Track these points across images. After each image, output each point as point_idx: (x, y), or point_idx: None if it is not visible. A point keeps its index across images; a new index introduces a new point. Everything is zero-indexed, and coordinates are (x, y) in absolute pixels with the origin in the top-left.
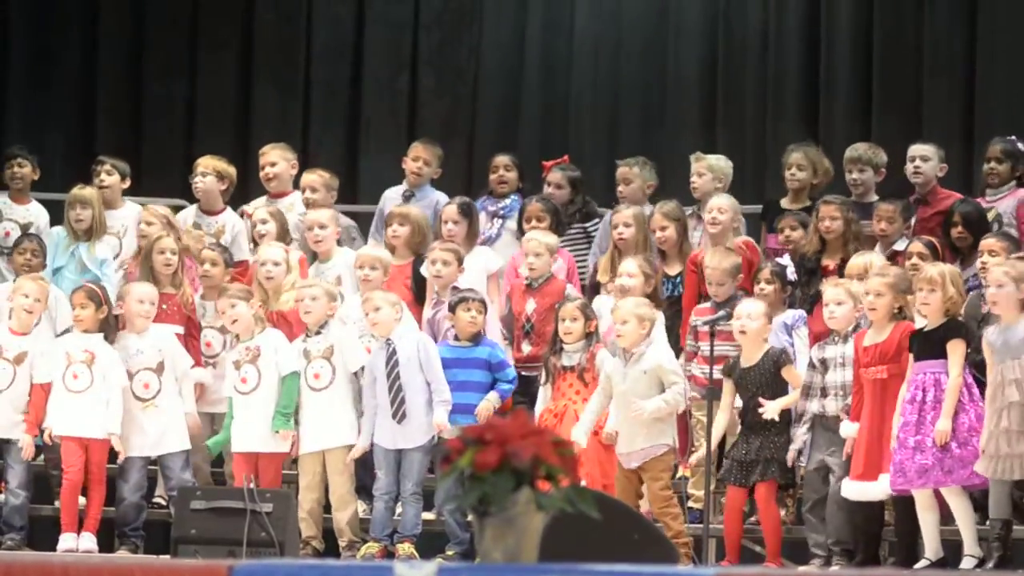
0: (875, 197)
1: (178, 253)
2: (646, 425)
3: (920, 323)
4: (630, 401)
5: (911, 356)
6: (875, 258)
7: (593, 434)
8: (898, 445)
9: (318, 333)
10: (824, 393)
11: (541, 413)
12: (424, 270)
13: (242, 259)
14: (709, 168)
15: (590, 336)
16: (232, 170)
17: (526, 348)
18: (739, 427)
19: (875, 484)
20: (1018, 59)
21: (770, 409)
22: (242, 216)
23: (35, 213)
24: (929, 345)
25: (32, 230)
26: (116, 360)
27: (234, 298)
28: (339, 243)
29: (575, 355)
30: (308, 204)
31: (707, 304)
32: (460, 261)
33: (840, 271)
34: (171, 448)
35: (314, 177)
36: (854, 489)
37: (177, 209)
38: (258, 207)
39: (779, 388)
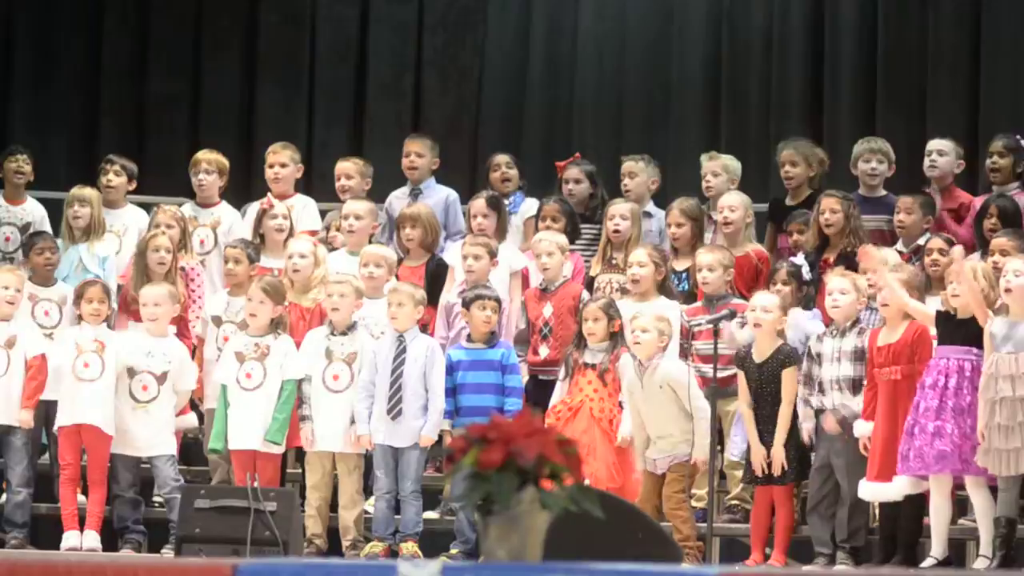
0: (883, 192)
1: (172, 251)
2: (679, 433)
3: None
4: (653, 416)
5: (935, 342)
6: (888, 252)
7: (604, 434)
8: (918, 430)
9: (343, 334)
10: (820, 388)
11: (554, 405)
12: (450, 258)
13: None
14: (724, 168)
15: (615, 336)
16: (227, 163)
17: (543, 352)
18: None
19: (891, 486)
20: (1022, 55)
21: (775, 462)
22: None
23: (31, 211)
24: (959, 332)
25: (32, 228)
26: (120, 349)
27: (264, 295)
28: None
29: (599, 354)
30: (343, 191)
31: (698, 304)
32: (493, 255)
33: (839, 264)
34: (160, 451)
35: (348, 165)
36: (870, 491)
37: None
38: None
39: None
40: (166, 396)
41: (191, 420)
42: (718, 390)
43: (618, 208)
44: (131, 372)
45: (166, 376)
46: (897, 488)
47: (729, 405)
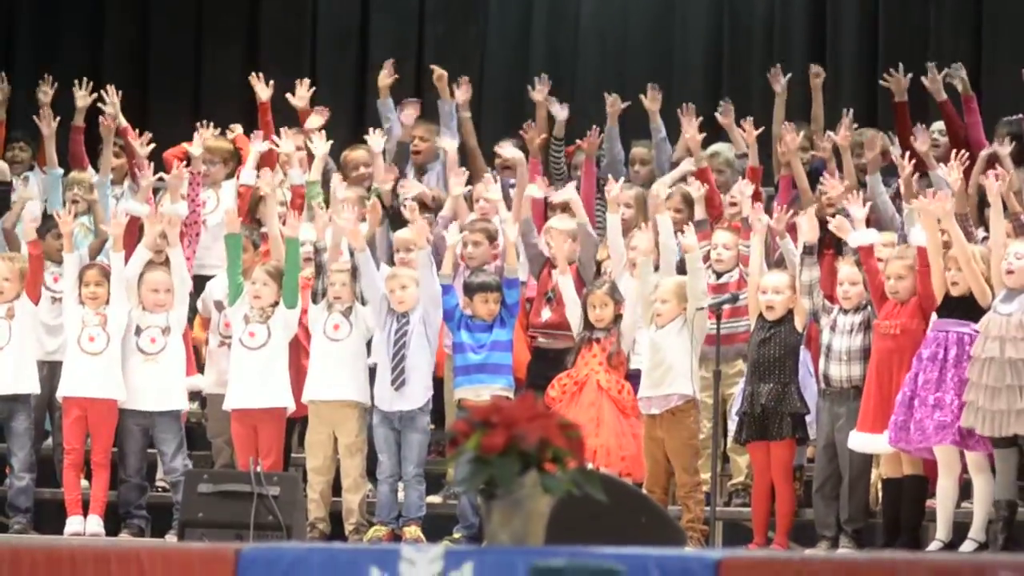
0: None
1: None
2: (668, 368)
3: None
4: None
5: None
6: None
7: (612, 403)
8: (918, 403)
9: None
10: (828, 355)
11: (559, 377)
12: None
13: None
14: (728, 163)
15: (619, 319)
16: (231, 147)
17: (546, 315)
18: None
19: (880, 438)
20: (1023, 49)
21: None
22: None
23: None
24: (958, 307)
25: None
26: (124, 322)
27: (268, 278)
28: None
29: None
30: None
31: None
32: (492, 239)
33: (837, 246)
34: (166, 406)
35: (361, 153)
36: (859, 441)
37: None
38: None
39: (790, 367)
40: (173, 347)
41: (199, 382)
42: (720, 373)
43: (623, 196)
44: (138, 329)
45: (170, 330)
46: (884, 442)
47: (732, 387)
